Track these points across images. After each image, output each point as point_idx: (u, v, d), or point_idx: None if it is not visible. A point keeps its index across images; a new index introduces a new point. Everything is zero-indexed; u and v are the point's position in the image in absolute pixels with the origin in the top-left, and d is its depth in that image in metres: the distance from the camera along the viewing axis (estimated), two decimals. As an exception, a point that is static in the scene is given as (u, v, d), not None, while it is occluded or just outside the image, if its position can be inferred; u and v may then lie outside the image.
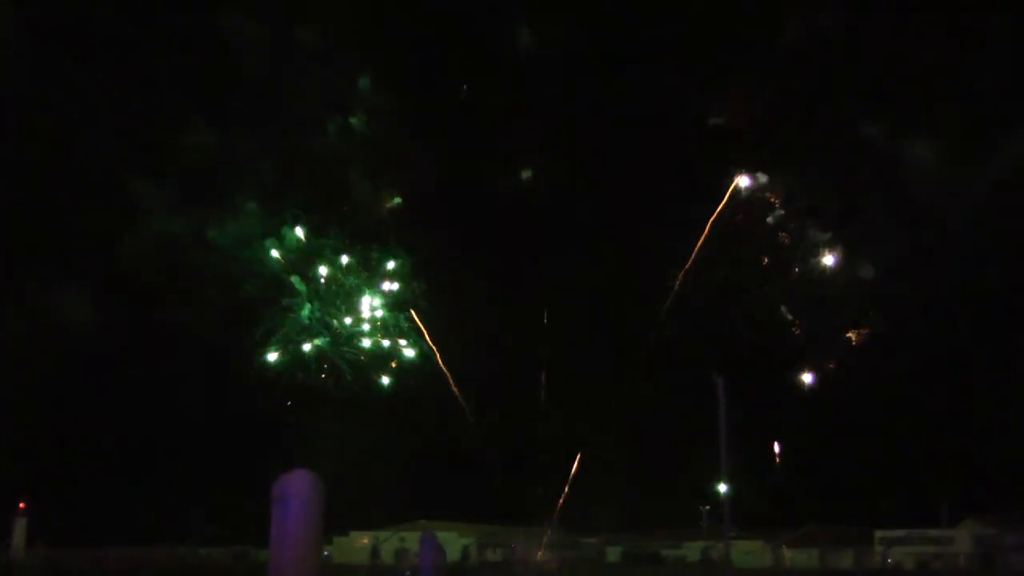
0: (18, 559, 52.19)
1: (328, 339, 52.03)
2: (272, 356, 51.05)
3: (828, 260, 50.30)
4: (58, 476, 58.83)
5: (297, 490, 15.74)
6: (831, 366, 52.22)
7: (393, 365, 53.29)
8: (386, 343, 53.13)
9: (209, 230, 49.77)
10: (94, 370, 55.65)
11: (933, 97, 45.65)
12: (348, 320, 52.88)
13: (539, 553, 62.99)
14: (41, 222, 52.71)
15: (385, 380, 52.82)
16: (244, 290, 50.32)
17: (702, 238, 52.37)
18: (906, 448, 59.35)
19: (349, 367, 52.22)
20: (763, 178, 50.67)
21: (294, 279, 51.71)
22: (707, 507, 67.43)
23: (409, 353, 53.12)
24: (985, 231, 47.07)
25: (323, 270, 52.19)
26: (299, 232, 51.36)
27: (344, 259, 52.20)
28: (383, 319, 53.07)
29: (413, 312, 53.68)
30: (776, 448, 55.39)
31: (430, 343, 54.28)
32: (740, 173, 51.07)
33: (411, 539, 57.82)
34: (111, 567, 53.65)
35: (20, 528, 53.82)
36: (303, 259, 51.98)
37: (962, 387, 54.11)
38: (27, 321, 51.07)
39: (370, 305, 52.89)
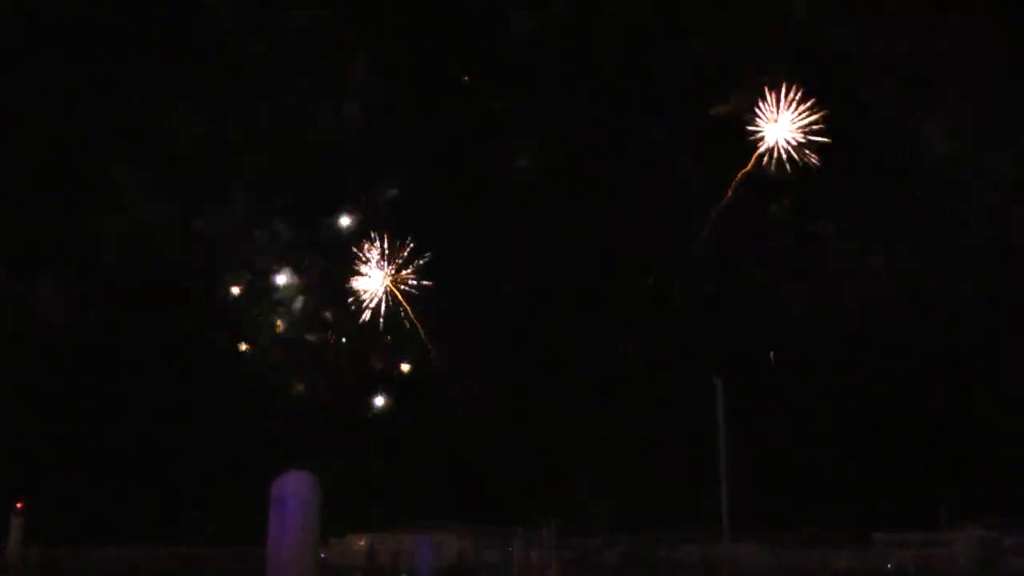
0: (14, 559, 52.00)
1: (323, 334, 51.66)
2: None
3: (835, 256, 49.98)
4: (56, 475, 58.64)
5: (295, 491, 15.63)
6: (830, 364, 52.11)
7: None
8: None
9: (200, 222, 49.37)
10: (92, 368, 55.52)
11: (944, 90, 45.52)
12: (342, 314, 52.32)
13: (537, 555, 62.78)
14: (39, 220, 52.54)
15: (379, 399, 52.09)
16: (236, 284, 49.87)
17: (706, 229, 52.18)
18: (906, 450, 59.25)
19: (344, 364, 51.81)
20: (767, 172, 50.42)
21: (286, 272, 51.23)
22: (707, 509, 67.20)
23: (405, 367, 52.65)
24: (987, 232, 47.01)
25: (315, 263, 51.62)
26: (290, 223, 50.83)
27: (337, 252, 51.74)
28: (378, 314, 52.61)
29: (409, 310, 53.41)
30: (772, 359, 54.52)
31: (426, 341, 54.07)
32: (743, 169, 50.92)
33: (408, 541, 57.57)
34: (109, 567, 53.46)
35: (17, 528, 53.59)
36: (295, 251, 51.46)
37: (962, 388, 54.04)
38: (24, 320, 50.92)
39: (364, 299, 52.39)
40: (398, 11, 52.74)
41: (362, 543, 69.03)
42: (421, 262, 52.66)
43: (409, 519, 70.36)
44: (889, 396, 56.39)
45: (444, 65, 54.72)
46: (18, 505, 54.48)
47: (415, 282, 52.96)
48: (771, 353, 54.62)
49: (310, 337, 52.08)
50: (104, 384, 56.24)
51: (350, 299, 52.98)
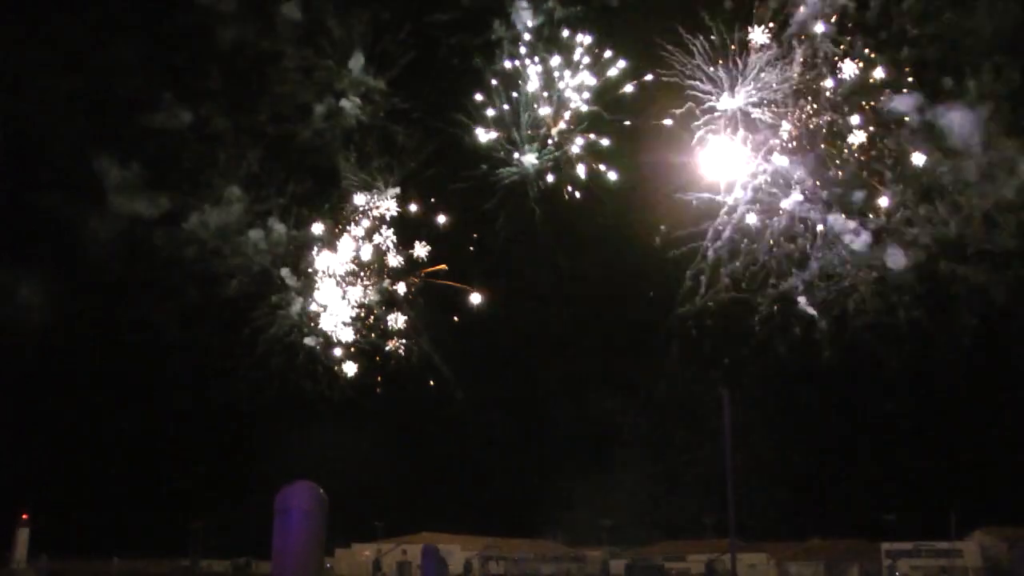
0: (20, 570, 52.12)
1: (321, 338, 50.53)
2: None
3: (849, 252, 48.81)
4: (61, 487, 58.64)
5: (299, 502, 15.57)
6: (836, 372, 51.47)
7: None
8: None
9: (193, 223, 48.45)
10: (96, 383, 55.43)
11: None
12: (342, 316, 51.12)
13: (543, 566, 62.63)
14: (44, 231, 52.40)
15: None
16: (230, 287, 48.91)
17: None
18: (914, 458, 58.83)
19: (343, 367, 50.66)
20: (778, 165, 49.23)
21: (284, 272, 50.18)
22: (712, 520, 66.97)
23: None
24: (997, 235, 46.54)
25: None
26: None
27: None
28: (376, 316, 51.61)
29: (410, 312, 52.65)
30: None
31: (425, 346, 53.33)
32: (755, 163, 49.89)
33: (413, 551, 57.46)
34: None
35: (22, 539, 53.74)
36: (293, 251, 50.42)
37: (971, 398, 53.66)
38: (27, 332, 50.76)
39: (364, 301, 51.42)
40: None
41: (367, 553, 68.97)
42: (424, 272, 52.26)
43: (414, 530, 70.27)
44: (896, 403, 56.05)
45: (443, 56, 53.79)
46: (24, 516, 54.57)
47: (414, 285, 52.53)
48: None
49: (309, 341, 51.28)
50: (108, 398, 56.25)
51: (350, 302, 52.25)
